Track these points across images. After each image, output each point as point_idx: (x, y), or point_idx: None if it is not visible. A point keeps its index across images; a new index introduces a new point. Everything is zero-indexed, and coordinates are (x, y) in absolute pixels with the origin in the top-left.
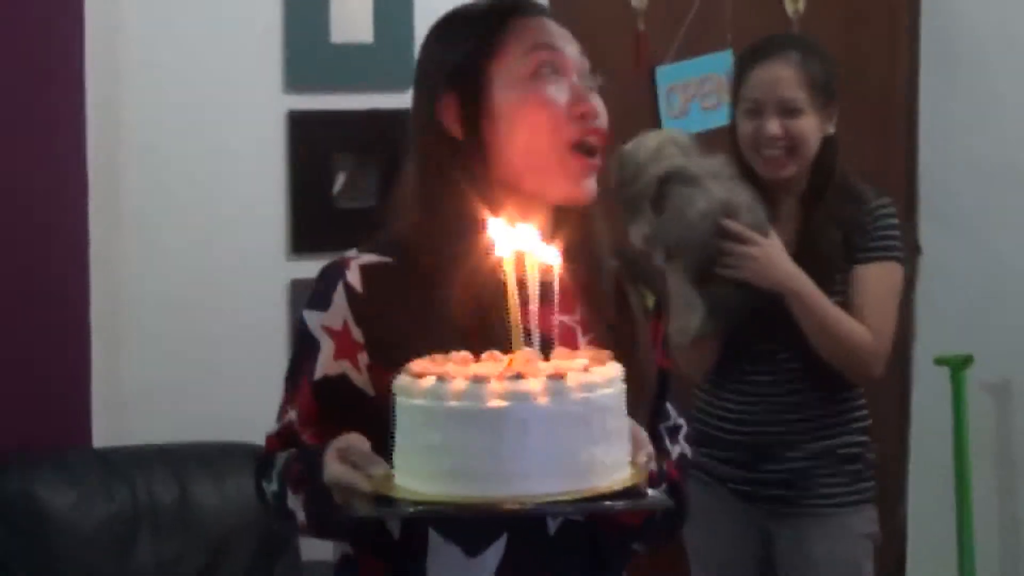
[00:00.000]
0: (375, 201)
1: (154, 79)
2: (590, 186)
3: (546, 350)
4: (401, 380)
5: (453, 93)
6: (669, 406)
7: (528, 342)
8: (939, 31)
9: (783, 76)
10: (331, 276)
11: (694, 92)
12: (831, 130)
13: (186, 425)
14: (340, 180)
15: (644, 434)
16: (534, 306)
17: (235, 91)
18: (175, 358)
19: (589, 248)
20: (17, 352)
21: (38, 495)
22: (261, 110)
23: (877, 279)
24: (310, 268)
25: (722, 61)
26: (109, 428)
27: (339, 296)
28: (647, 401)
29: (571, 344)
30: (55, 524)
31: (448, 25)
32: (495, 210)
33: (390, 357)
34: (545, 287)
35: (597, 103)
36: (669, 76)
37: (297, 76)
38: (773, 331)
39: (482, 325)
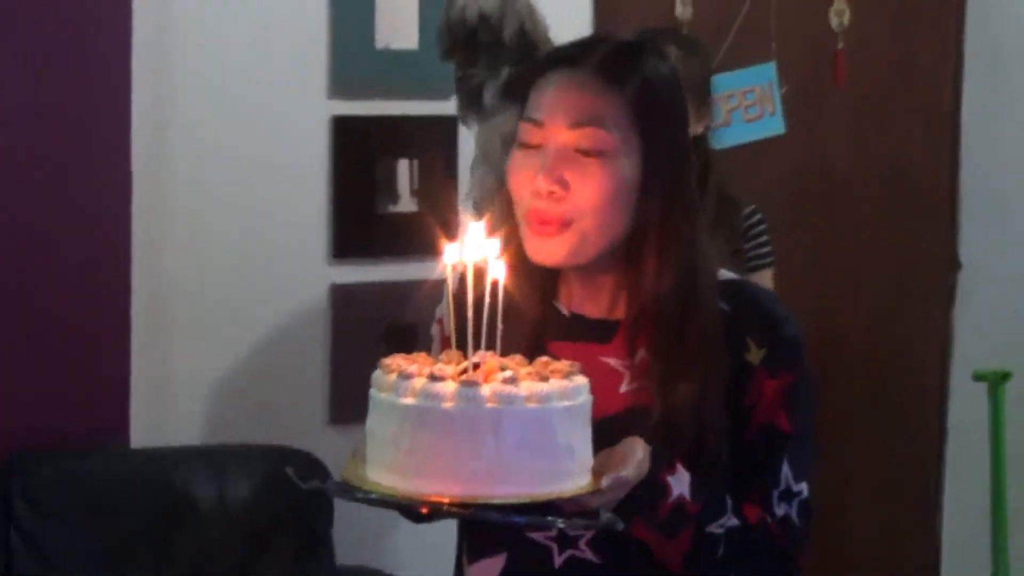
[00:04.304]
0: (417, 207)
1: (200, 82)
2: (541, 250)
3: None
4: (376, 373)
5: None
6: (786, 469)
7: (471, 347)
8: (985, 41)
9: None
10: None
11: (737, 103)
12: (700, 131)
13: (226, 427)
14: (382, 186)
15: (632, 458)
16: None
17: (280, 95)
18: (216, 360)
19: (661, 293)
20: (59, 352)
21: (77, 489)
22: (306, 115)
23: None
24: (351, 273)
25: (766, 72)
26: (148, 428)
27: None
28: (709, 462)
29: (609, 389)
30: (95, 519)
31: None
32: None
33: None
34: (600, 327)
35: (552, 180)
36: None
37: (342, 81)
38: None
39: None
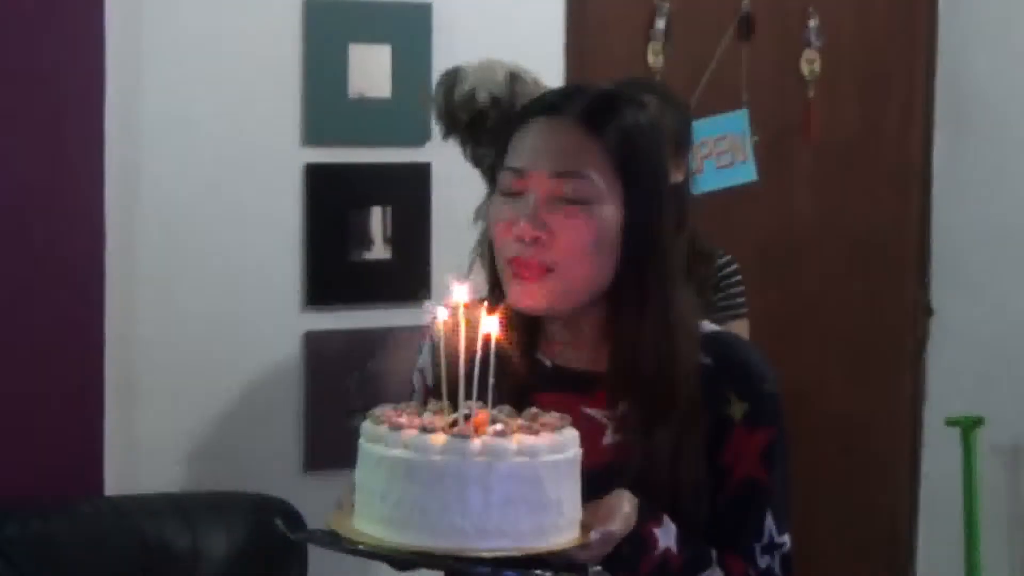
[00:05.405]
0: (390, 254)
1: (172, 130)
2: (523, 296)
3: None
4: (364, 424)
5: None
6: (769, 522)
7: (461, 399)
8: (954, 95)
9: None
10: None
11: (710, 151)
12: (679, 179)
13: (200, 475)
14: (355, 234)
15: (619, 512)
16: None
17: (253, 144)
18: (190, 408)
19: (640, 345)
20: (32, 401)
21: (50, 542)
22: (279, 163)
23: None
24: (325, 320)
25: (737, 120)
26: (122, 478)
27: None
28: (693, 514)
29: (593, 440)
30: (70, 571)
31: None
32: None
33: None
34: (583, 378)
35: (535, 226)
36: None
37: (315, 130)
38: None
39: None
